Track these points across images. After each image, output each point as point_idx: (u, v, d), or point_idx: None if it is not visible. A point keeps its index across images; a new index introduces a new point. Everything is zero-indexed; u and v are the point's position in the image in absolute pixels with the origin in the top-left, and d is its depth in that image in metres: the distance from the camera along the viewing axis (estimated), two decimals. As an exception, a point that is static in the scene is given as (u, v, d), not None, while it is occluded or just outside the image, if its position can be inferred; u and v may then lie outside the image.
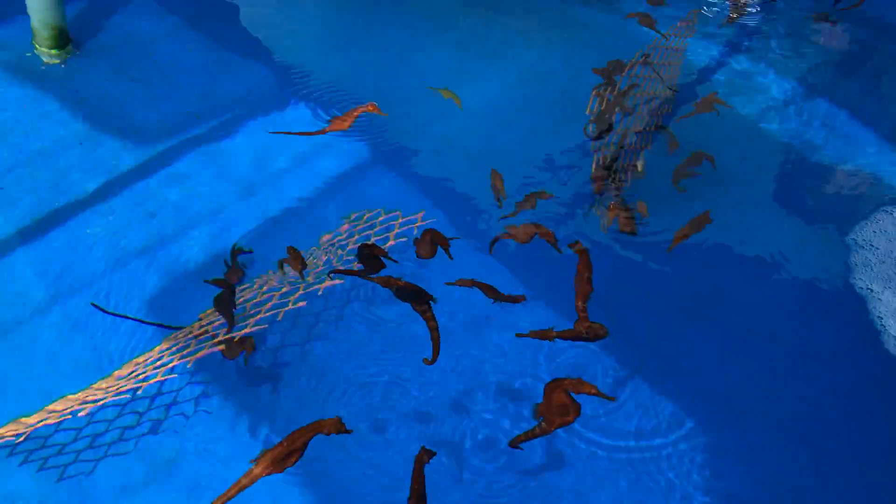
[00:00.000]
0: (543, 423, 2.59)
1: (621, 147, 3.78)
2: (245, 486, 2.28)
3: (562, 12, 4.99)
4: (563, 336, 2.88)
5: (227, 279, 3.14)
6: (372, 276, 2.97)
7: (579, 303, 2.99)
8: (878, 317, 3.20)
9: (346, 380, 2.93)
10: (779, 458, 2.78)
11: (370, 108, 3.74)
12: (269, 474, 2.31)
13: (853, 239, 3.54)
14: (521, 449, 2.65)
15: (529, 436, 2.60)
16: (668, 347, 3.09)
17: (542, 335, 2.89)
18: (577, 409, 2.60)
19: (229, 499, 2.26)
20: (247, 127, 4.00)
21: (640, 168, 3.80)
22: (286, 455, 2.37)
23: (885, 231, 3.55)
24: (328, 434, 2.44)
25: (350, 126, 3.71)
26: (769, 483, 2.71)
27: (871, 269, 3.38)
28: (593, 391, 2.69)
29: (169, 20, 4.72)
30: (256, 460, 2.32)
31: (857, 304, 3.26)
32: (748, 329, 3.17)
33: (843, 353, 3.10)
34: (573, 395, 2.66)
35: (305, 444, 2.40)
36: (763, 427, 2.86)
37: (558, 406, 2.61)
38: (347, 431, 2.48)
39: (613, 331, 3.10)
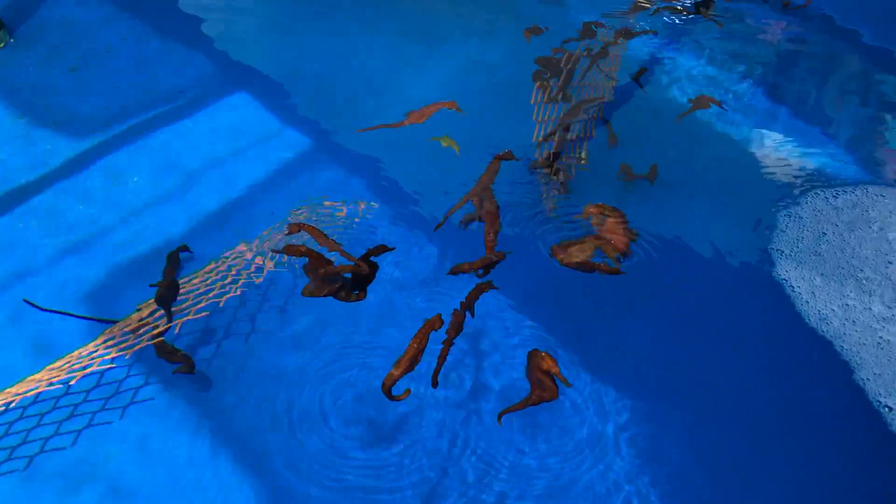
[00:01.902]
0: (528, 395, 2.80)
1: (562, 146, 3.88)
2: (390, 387, 2.76)
3: (502, 2, 5.04)
4: (475, 266, 3.23)
5: (165, 277, 3.12)
6: (362, 272, 3.16)
7: (490, 234, 3.39)
8: (800, 294, 3.37)
9: (293, 369, 2.96)
10: (718, 433, 2.89)
11: (450, 105, 3.79)
12: (405, 374, 2.81)
13: (784, 222, 3.69)
14: (500, 424, 2.78)
15: (516, 407, 2.78)
16: (609, 336, 3.17)
17: (459, 269, 3.23)
18: (554, 390, 2.79)
19: (390, 383, 2.77)
20: (186, 118, 3.95)
21: (583, 158, 3.90)
22: (416, 356, 2.85)
23: (816, 209, 3.73)
24: (437, 330, 2.94)
25: (425, 121, 3.77)
26: (709, 458, 2.83)
27: (803, 256, 3.55)
28: (554, 370, 2.85)
29: (107, 7, 4.62)
30: (396, 363, 2.82)
31: (784, 285, 3.43)
32: (685, 313, 3.28)
33: (773, 332, 3.24)
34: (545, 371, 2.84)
35: (426, 345, 2.90)
36: (702, 406, 2.97)
37: (536, 380, 2.81)
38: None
39: (559, 320, 3.19)
